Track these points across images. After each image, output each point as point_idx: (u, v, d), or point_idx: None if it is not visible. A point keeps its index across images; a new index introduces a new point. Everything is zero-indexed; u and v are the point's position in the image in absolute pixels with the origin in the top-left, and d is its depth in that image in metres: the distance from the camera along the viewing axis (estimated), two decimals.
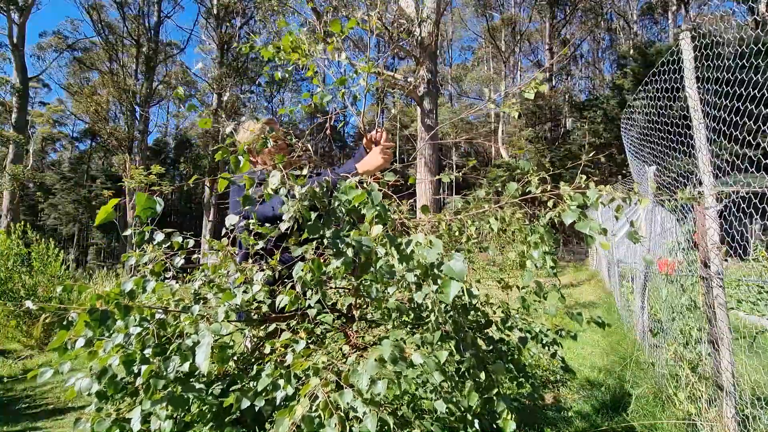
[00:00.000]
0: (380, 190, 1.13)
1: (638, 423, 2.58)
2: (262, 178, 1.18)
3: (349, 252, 1.02)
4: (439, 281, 0.93)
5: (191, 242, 1.34)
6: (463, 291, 1.00)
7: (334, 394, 0.90)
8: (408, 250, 0.95)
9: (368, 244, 0.99)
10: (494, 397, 1.10)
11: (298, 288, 1.17)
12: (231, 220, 1.28)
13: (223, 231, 1.37)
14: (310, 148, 1.42)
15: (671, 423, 2.50)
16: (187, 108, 1.25)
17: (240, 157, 1.12)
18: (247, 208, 1.12)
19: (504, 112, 1.35)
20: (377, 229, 0.98)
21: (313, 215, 1.10)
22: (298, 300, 1.17)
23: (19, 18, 18.29)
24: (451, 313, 1.18)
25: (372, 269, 1.05)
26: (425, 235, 0.96)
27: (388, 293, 1.08)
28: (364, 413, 0.87)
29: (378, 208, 0.98)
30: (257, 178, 1.21)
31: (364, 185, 1.04)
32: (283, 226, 1.11)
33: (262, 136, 1.25)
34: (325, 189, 1.13)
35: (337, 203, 1.08)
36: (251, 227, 1.26)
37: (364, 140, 1.69)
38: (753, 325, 3.92)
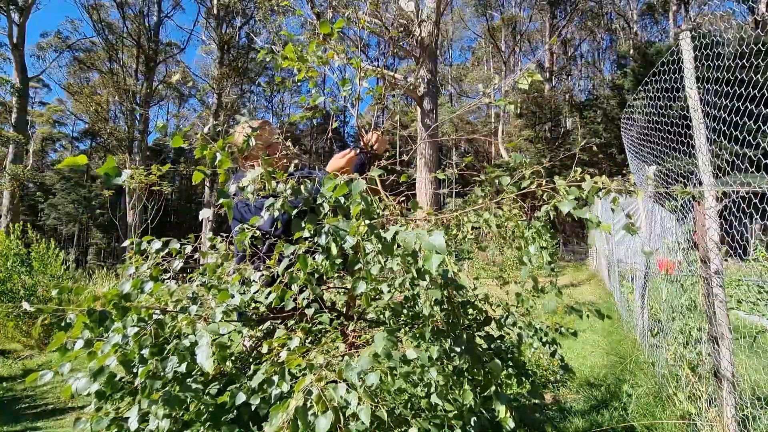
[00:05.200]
0: (370, 188, 1.13)
1: (638, 423, 2.58)
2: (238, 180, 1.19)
3: (333, 246, 1.02)
4: (420, 259, 0.91)
5: (189, 248, 1.35)
6: (448, 278, 0.98)
7: (328, 389, 0.89)
8: (389, 237, 0.94)
9: (344, 228, 0.99)
10: (492, 396, 1.10)
11: (294, 287, 1.18)
12: (205, 213, 1.30)
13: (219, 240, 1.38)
14: (305, 147, 1.43)
15: (671, 423, 2.50)
16: (173, 142, 1.25)
17: (218, 154, 1.11)
18: (224, 202, 1.13)
19: (499, 106, 1.35)
20: (363, 223, 0.98)
21: (299, 212, 1.11)
22: (285, 295, 1.17)
23: (19, 18, 18.29)
24: (445, 306, 1.18)
25: (360, 264, 1.05)
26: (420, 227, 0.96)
27: (381, 291, 1.08)
28: (359, 407, 0.87)
29: (361, 199, 0.98)
30: (238, 178, 1.22)
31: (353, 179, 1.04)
32: (266, 215, 1.12)
33: (247, 136, 1.25)
34: (310, 186, 1.14)
35: (321, 199, 1.08)
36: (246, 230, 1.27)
37: (361, 141, 1.74)
38: (753, 325, 3.92)
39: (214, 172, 1.17)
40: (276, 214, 1.12)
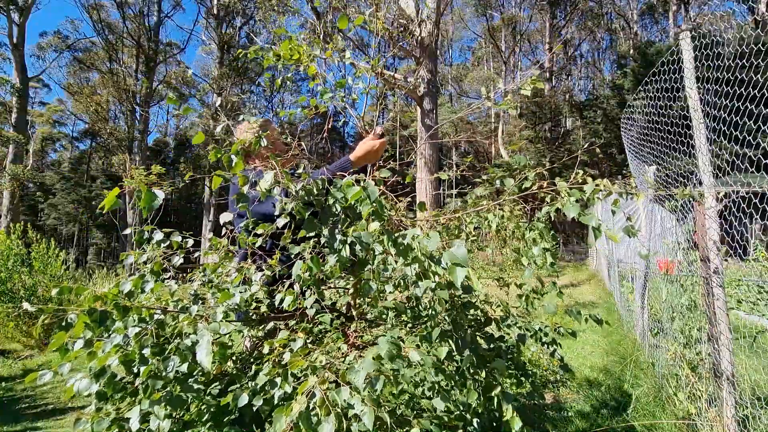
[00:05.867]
0: (377, 187, 1.12)
1: (638, 423, 2.58)
2: (258, 177, 1.18)
3: (346, 249, 1.02)
4: (441, 271, 0.92)
5: (190, 242, 1.34)
6: (463, 283, 0.98)
7: (331, 392, 0.89)
8: (406, 242, 0.94)
9: (366, 239, 0.99)
10: (495, 396, 1.10)
11: (297, 287, 1.17)
12: (225, 217, 1.29)
13: (223, 231, 1.37)
14: (305, 147, 1.43)
15: (671, 423, 2.50)
16: (183, 111, 1.24)
17: (233, 157, 1.11)
18: (242, 206, 1.12)
19: (502, 109, 1.35)
20: (374, 225, 0.98)
21: (309, 212, 1.10)
22: (297, 299, 1.17)
23: (19, 18, 18.28)
24: (448, 308, 1.18)
25: (369, 266, 1.05)
26: (424, 231, 0.96)
27: (386, 291, 1.08)
28: (362, 411, 0.87)
29: (375, 204, 0.97)
30: (252, 178, 1.21)
31: (362, 183, 1.04)
32: (280, 222, 1.12)
33: (258, 135, 1.25)
34: (321, 186, 1.14)
35: (333, 200, 1.07)
36: (249, 226, 1.26)
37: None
38: (753, 325, 3.92)
39: (212, 171, 1.17)
40: (285, 210, 1.11)
